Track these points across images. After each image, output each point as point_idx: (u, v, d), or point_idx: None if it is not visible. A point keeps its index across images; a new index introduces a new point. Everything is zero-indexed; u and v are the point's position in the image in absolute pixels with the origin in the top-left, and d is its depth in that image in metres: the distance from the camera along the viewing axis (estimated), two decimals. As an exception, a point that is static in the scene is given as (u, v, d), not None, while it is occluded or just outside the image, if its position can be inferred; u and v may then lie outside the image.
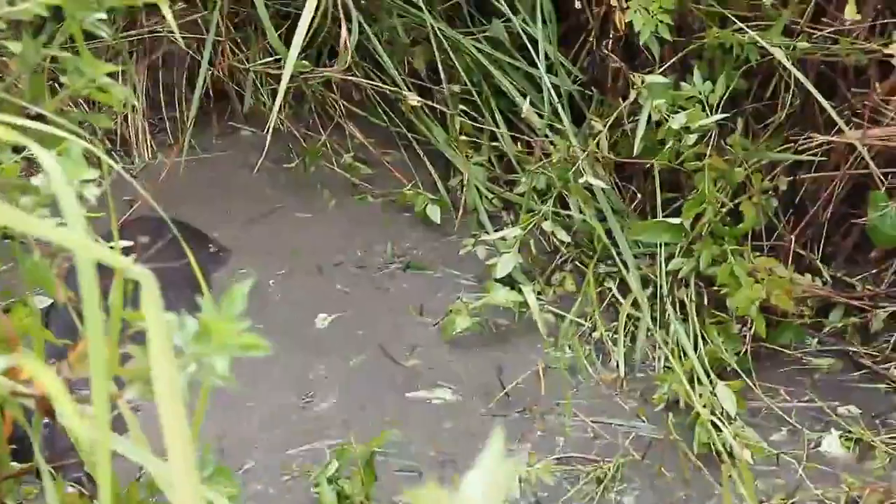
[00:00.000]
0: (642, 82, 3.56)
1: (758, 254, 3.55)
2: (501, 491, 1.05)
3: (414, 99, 4.21)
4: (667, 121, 3.47)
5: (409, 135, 4.32)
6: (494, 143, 4.22)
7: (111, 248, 1.87)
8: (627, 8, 3.50)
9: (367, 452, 3.10)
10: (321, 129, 4.38)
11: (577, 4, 3.93)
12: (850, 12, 3.28)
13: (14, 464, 2.21)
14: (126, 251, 2.02)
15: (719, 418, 3.22)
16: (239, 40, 4.43)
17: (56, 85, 2.20)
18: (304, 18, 3.70)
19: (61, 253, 2.08)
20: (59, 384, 1.51)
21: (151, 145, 4.35)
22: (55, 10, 2.12)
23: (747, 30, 3.49)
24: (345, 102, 4.40)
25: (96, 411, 1.35)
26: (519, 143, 4.15)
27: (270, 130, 4.03)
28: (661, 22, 3.45)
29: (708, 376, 3.33)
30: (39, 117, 2.13)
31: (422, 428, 3.38)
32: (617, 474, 3.18)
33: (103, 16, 2.15)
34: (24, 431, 2.09)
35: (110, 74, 2.18)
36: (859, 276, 3.64)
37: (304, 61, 4.20)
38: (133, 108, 4.37)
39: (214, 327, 1.65)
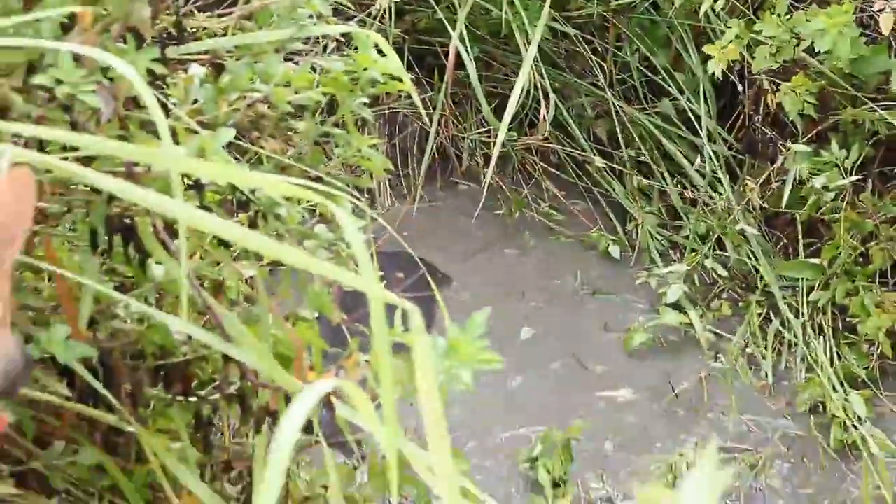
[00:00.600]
0: (788, 150, 3.64)
1: (885, 289, 3.59)
2: (715, 495, 1.16)
3: (599, 161, 4.31)
4: (809, 181, 3.55)
5: (595, 189, 4.38)
6: (663, 197, 4.27)
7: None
8: (778, 90, 3.56)
9: (565, 438, 3.22)
10: (523, 184, 4.46)
11: (739, 87, 4.00)
12: None
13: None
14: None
15: (851, 420, 3.28)
16: (458, 114, 4.52)
17: (328, 154, 2.37)
18: (514, 97, 3.76)
19: (335, 283, 2.20)
20: (360, 391, 1.64)
21: (391, 196, 4.46)
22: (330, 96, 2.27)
23: (876, 108, 3.55)
24: (542, 163, 4.48)
25: (386, 411, 1.46)
26: (683, 198, 4.21)
27: (486, 185, 4.19)
28: (806, 102, 3.51)
29: (842, 386, 3.39)
30: (318, 179, 2.27)
31: (607, 420, 3.45)
32: (766, 462, 3.23)
33: (365, 99, 2.29)
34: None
35: (374, 147, 2.33)
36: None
37: (511, 131, 4.33)
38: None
39: (461, 346, 1.81)
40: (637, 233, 4.22)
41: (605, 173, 4.37)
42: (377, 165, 2.38)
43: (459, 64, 4.15)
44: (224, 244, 2.31)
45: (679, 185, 4.25)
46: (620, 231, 4.27)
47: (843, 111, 3.63)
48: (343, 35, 2.46)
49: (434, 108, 4.42)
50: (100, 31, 1.95)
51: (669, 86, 4.29)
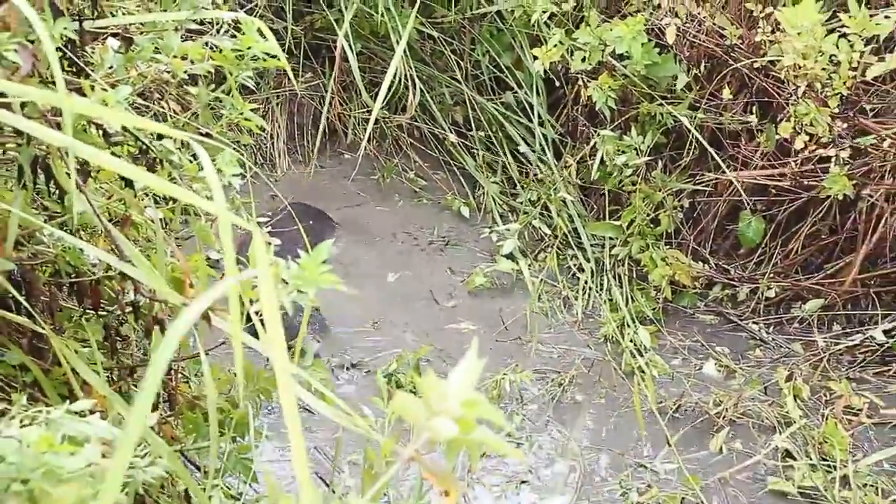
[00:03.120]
0: (598, 135, 3.67)
1: (668, 247, 3.64)
2: (473, 379, 1.16)
3: (454, 138, 4.32)
4: (613, 160, 3.59)
5: (451, 162, 4.39)
6: (504, 170, 4.29)
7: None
8: (588, 86, 3.60)
9: (416, 358, 3.22)
10: (395, 156, 4.45)
11: (563, 84, 4.03)
12: (726, 94, 3.39)
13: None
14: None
15: (638, 349, 3.33)
16: (345, 98, 4.47)
17: (217, 116, 2.35)
18: (385, 84, 3.75)
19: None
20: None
21: (289, 162, 4.42)
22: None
23: (664, 104, 3.60)
24: (410, 140, 4.47)
25: (233, 317, 1.45)
26: (520, 171, 4.24)
27: (361, 155, 4.19)
28: (609, 96, 3.54)
29: (633, 322, 3.43)
30: (208, 135, 2.25)
31: (453, 346, 3.45)
32: (572, 381, 3.25)
33: (250, 73, 2.27)
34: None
35: (254, 111, 2.32)
36: (732, 265, 3.68)
37: (384, 111, 4.32)
38: (276, 137, 4.47)
39: (308, 268, 1.80)
40: (483, 198, 4.22)
41: (459, 149, 4.36)
42: (255, 124, 2.36)
43: (346, 57, 4.12)
44: (130, 186, 2.27)
45: (516, 161, 4.25)
46: (470, 196, 4.28)
47: (642, 106, 3.65)
48: (236, 21, 2.43)
49: (326, 91, 4.39)
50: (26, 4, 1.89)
51: (511, 81, 4.29)
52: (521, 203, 4.09)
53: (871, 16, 2.84)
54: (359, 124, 4.49)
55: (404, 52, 4.11)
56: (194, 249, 2.45)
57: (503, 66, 4.32)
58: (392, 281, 3.81)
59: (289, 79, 4.52)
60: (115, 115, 1.77)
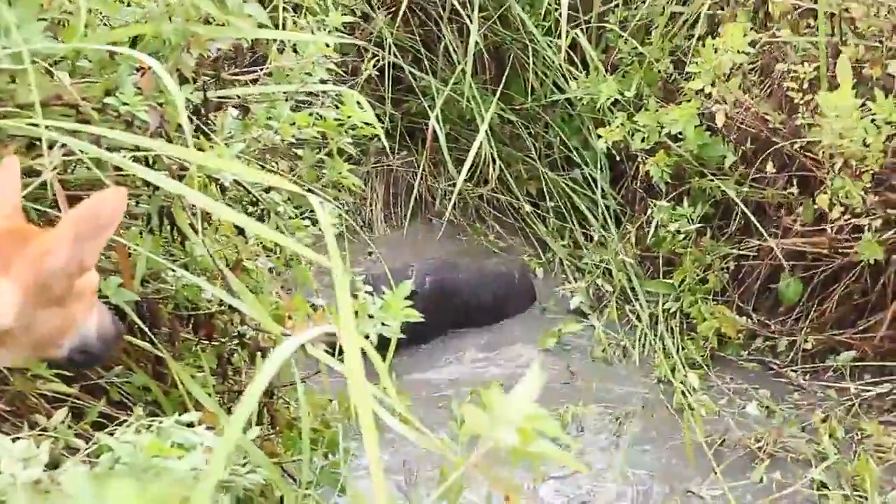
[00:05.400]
0: (654, 205, 3.59)
1: (716, 303, 3.52)
2: (533, 395, 1.09)
3: (528, 208, 4.28)
4: (666, 227, 3.51)
5: (525, 228, 4.33)
6: (572, 235, 4.22)
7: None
8: (646, 162, 3.52)
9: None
10: (477, 222, 4.42)
11: (619, 161, 3.97)
12: (769, 169, 3.29)
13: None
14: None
15: (688, 390, 3.21)
16: (436, 172, 4.49)
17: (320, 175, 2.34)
18: (468, 161, 3.83)
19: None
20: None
21: (384, 227, 4.42)
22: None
23: (714, 179, 3.51)
24: (490, 209, 4.43)
25: (349, 355, 1.40)
26: (585, 237, 4.16)
27: (445, 220, 4.16)
28: (664, 171, 3.46)
29: (683, 367, 3.32)
30: (310, 191, 2.23)
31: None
32: (629, 416, 3.15)
33: (349, 139, 2.25)
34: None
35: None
36: (773, 321, 3.53)
37: (468, 183, 4.30)
38: (374, 204, 4.47)
39: (391, 304, 1.75)
40: (554, 259, 4.15)
41: (532, 217, 4.30)
42: (351, 182, 2.34)
43: (436, 138, 4.10)
44: (242, 234, 2.26)
45: (582, 228, 4.17)
46: (543, 258, 4.19)
47: (693, 181, 3.56)
48: (338, 94, 2.42)
49: (418, 167, 4.39)
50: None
51: (578, 159, 4.24)
52: (587, 264, 4.00)
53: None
54: (445, 195, 4.44)
55: (487, 133, 4.09)
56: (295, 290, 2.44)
57: (571, 147, 4.27)
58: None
59: (387, 155, 4.53)
60: (227, 165, 1.75)
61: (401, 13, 4.18)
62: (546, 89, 4.28)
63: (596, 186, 4.11)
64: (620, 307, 3.76)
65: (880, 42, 2.97)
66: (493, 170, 4.18)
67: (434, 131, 4.10)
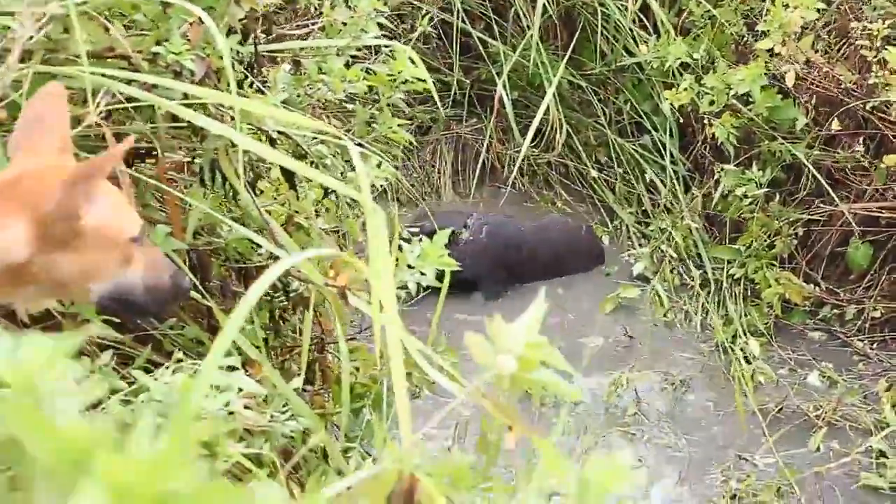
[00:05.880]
0: (722, 170, 3.49)
1: (783, 269, 3.41)
2: (536, 325, 1.06)
3: (594, 172, 4.21)
4: (733, 191, 3.41)
5: (593, 196, 4.26)
6: (640, 201, 4.14)
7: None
8: (713, 125, 3.41)
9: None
10: (545, 191, 4.37)
11: (689, 127, 3.86)
12: (835, 126, 3.18)
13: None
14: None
15: (747, 357, 3.12)
16: (505, 139, 4.43)
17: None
18: (533, 126, 3.78)
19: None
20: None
21: (452, 193, 4.39)
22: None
23: (784, 143, 3.40)
24: (559, 176, 4.37)
25: (385, 295, 1.38)
26: (653, 203, 4.07)
27: (509, 187, 4.12)
28: (731, 133, 3.35)
29: (745, 334, 3.22)
30: (360, 145, 2.21)
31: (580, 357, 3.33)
32: (685, 382, 3.08)
33: (402, 95, 2.22)
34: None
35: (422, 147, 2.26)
36: (842, 289, 3.42)
37: (534, 149, 4.25)
38: (442, 172, 4.44)
39: (429, 252, 1.72)
40: (621, 226, 4.09)
41: (600, 183, 4.23)
42: (402, 138, 2.32)
43: (504, 104, 4.06)
44: (293, 187, 2.26)
45: (650, 195, 4.09)
46: (609, 225, 4.13)
47: (763, 144, 3.44)
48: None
49: (485, 133, 4.36)
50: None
51: (648, 125, 4.14)
52: (653, 231, 3.91)
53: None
54: (514, 163, 4.36)
55: (555, 98, 4.02)
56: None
57: (641, 112, 4.17)
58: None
59: (457, 123, 4.51)
60: (269, 110, 1.74)
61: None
62: (617, 54, 4.18)
63: (665, 152, 4.00)
64: (686, 272, 3.66)
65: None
66: (560, 135, 4.11)
67: (501, 98, 4.06)
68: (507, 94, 4.09)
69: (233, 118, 1.95)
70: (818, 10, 2.98)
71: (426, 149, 4.52)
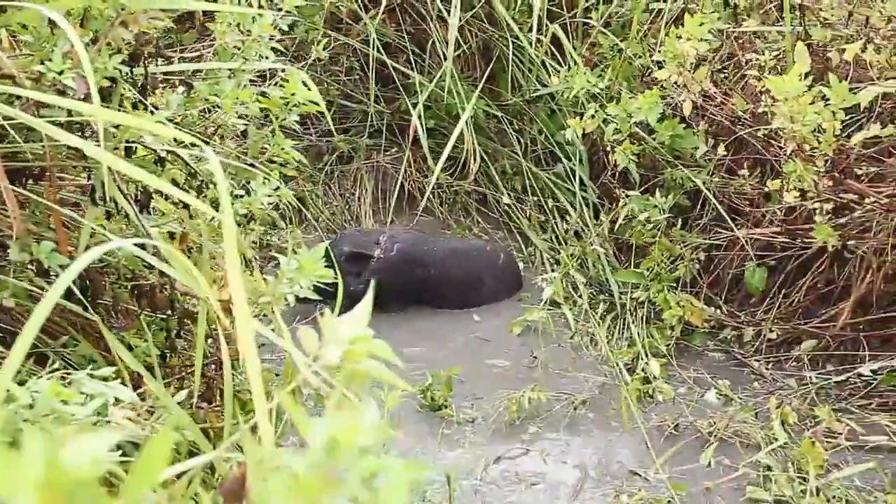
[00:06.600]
0: (627, 196, 3.60)
1: (685, 292, 3.51)
2: (364, 321, 1.12)
3: (507, 199, 4.31)
4: (636, 217, 3.51)
5: (510, 223, 4.36)
6: (553, 229, 4.24)
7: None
8: (614, 152, 3.52)
9: (448, 376, 3.14)
10: (463, 217, 4.45)
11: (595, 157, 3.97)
12: (720, 151, 3.29)
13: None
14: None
15: (647, 378, 3.19)
16: (424, 168, 4.49)
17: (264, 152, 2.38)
18: (444, 153, 3.95)
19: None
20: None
21: (373, 221, 4.44)
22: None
23: (684, 170, 3.52)
24: (476, 204, 4.47)
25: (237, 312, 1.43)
26: (565, 231, 4.16)
27: (419, 210, 4.25)
28: (631, 159, 3.45)
29: (646, 355, 3.31)
30: (252, 165, 2.27)
31: (486, 377, 3.38)
32: (585, 403, 3.11)
33: (296, 117, 2.29)
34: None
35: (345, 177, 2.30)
36: (743, 311, 3.53)
37: (448, 176, 4.34)
38: (362, 200, 4.51)
39: (305, 265, 1.78)
40: (535, 252, 4.18)
41: (515, 211, 4.33)
42: (293, 157, 2.38)
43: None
44: (185, 208, 2.30)
45: (563, 221, 4.18)
46: (524, 251, 4.22)
47: (666, 171, 3.56)
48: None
49: (402, 162, 4.46)
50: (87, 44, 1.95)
51: (560, 155, 4.26)
52: (565, 257, 4.00)
53: (850, 89, 2.74)
54: (433, 192, 4.47)
55: (469, 127, 4.13)
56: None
57: (554, 142, 4.29)
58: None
59: (377, 153, 4.59)
60: (145, 124, 1.79)
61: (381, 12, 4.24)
62: (530, 85, 4.30)
63: (575, 179, 4.11)
64: (593, 297, 3.75)
65: (841, 28, 2.97)
66: (474, 162, 4.21)
67: (416, 127, 4.15)
68: (422, 124, 4.18)
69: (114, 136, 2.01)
70: (708, 42, 3.10)
71: (349, 178, 4.59)
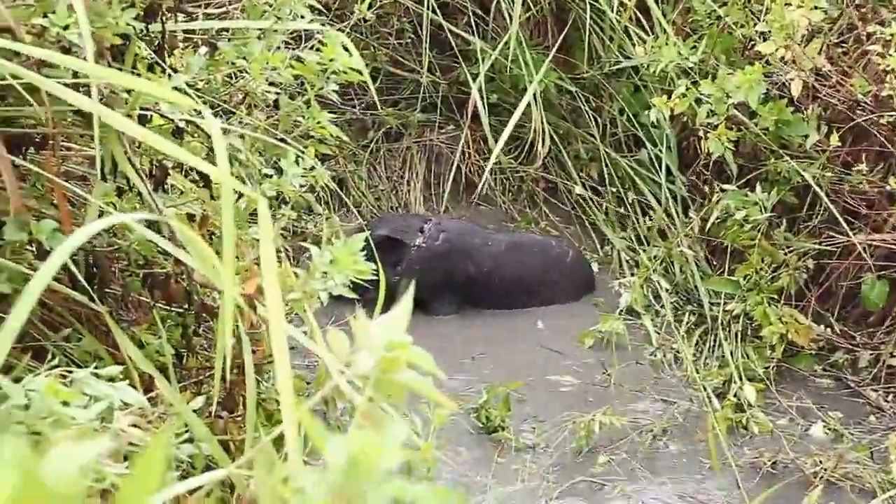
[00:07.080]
0: (721, 190, 3.56)
1: (789, 306, 3.46)
2: (403, 323, 1.12)
3: (579, 190, 4.29)
4: (733, 215, 3.47)
5: (583, 217, 4.33)
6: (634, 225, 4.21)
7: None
8: (707, 138, 3.47)
9: (506, 392, 3.14)
10: (529, 208, 4.43)
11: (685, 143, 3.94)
12: (833, 141, 3.25)
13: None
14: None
15: (741, 405, 3.15)
16: (482, 149, 4.49)
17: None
18: (504, 134, 3.95)
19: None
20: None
21: (423, 209, 4.45)
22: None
23: (790, 162, 3.47)
24: (545, 194, 4.44)
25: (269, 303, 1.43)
26: (649, 228, 4.12)
27: (475, 197, 4.32)
28: (727, 147, 3.40)
29: (740, 378, 3.27)
30: (283, 140, 2.28)
31: (554, 393, 3.36)
32: (666, 432, 3.10)
33: (335, 86, 2.29)
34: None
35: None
36: (859, 332, 3.48)
37: (511, 161, 4.33)
38: (412, 184, 4.51)
39: (341, 257, 1.79)
40: (612, 252, 4.16)
41: (589, 203, 4.31)
42: (331, 133, 2.38)
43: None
44: (207, 186, 2.32)
45: (646, 216, 4.15)
46: (599, 251, 4.21)
47: (769, 163, 3.52)
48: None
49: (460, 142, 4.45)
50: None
51: (644, 139, 4.23)
52: (647, 258, 3.98)
53: None
54: (490, 175, 4.43)
55: (537, 102, 4.10)
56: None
57: (637, 124, 4.26)
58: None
59: (430, 130, 4.58)
60: (159, 91, 1.81)
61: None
62: (611, 56, 4.27)
63: (659, 168, 4.09)
64: (679, 307, 3.73)
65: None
66: (543, 145, 4.18)
67: (475, 101, 4.14)
68: (483, 98, 4.17)
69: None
70: (824, 11, 3.05)
71: (397, 158, 4.59)
